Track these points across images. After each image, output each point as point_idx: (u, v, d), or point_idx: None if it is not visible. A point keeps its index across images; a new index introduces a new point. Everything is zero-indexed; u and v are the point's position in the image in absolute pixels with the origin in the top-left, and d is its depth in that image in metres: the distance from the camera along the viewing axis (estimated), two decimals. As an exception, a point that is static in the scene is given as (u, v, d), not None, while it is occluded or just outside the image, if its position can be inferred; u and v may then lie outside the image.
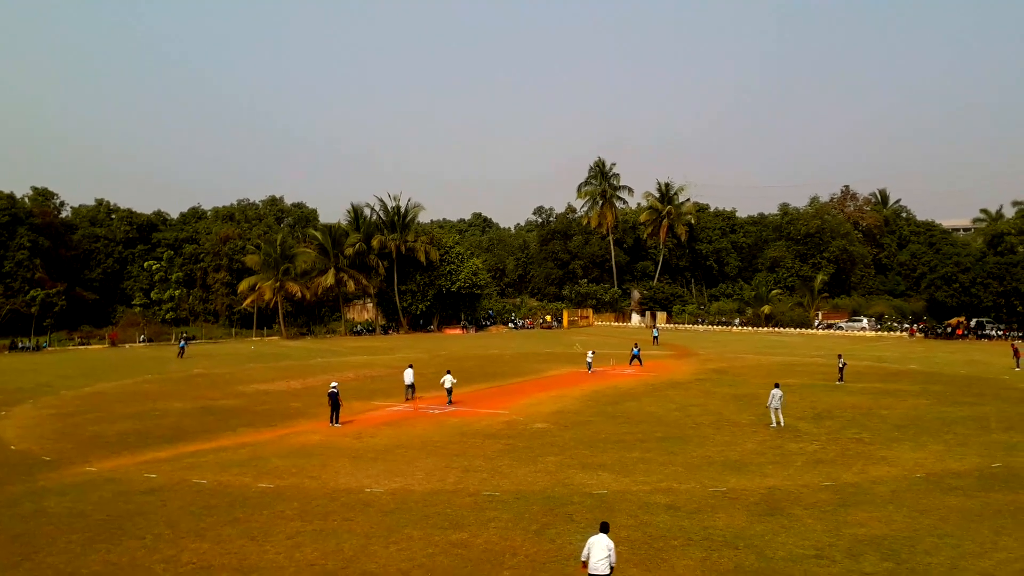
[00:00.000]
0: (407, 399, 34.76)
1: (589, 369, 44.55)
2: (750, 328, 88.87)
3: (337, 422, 28.96)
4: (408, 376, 35.10)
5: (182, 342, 65.22)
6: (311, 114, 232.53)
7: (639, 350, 49.88)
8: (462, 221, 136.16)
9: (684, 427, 28.43)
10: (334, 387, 29.55)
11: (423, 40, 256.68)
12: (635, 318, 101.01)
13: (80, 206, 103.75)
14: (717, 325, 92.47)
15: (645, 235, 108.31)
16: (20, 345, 74.60)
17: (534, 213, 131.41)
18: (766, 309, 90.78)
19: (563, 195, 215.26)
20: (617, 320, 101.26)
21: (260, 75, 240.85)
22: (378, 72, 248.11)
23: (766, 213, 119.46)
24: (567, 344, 62.48)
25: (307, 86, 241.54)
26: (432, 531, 16.62)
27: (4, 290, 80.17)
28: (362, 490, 19.92)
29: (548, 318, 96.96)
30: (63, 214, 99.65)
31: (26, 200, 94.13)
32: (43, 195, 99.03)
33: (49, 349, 74.90)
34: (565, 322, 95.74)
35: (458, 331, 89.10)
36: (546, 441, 25.93)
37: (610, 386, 40.04)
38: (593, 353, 45.96)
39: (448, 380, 33.89)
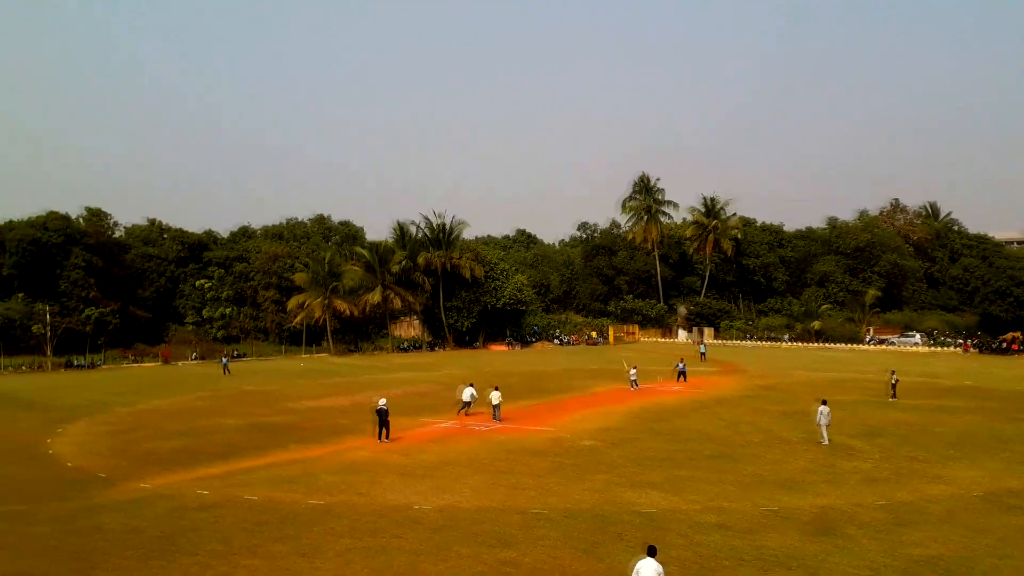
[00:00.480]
0: (464, 414, 34.88)
1: (634, 386, 44.24)
2: (800, 344, 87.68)
3: (386, 439, 29.11)
4: (466, 394, 35.12)
5: (224, 360, 66.14)
6: (357, 134, 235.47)
7: (685, 366, 49.51)
8: (506, 238, 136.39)
9: (734, 445, 28.14)
10: (383, 404, 29.69)
11: (465, 61, 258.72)
12: (682, 334, 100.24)
13: (133, 226, 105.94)
14: (766, 341, 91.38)
15: (691, 250, 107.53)
16: (75, 363, 76.31)
17: (578, 228, 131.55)
18: (816, 325, 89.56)
19: (606, 209, 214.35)
20: (664, 336, 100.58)
21: (304, 100, 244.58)
22: (419, 92, 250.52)
23: (814, 227, 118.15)
24: (613, 360, 62.15)
25: (352, 111, 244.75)
26: (481, 549, 16.63)
27: (60, 309, 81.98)
28: (411, 507, 20.01)
29: (593, 334, 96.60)
30: (116, 234, 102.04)
31: (80, 220, 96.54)
32: (96, 215, 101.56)
33: (103, 367, 76.45)
34: (611, 338, 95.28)
35: (503, 347, 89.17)
36: (594, 458, 25.83)
37: (657, 403, 39.76)
38: (636, 370, 45.61)
39: (495, 396, 33.96)
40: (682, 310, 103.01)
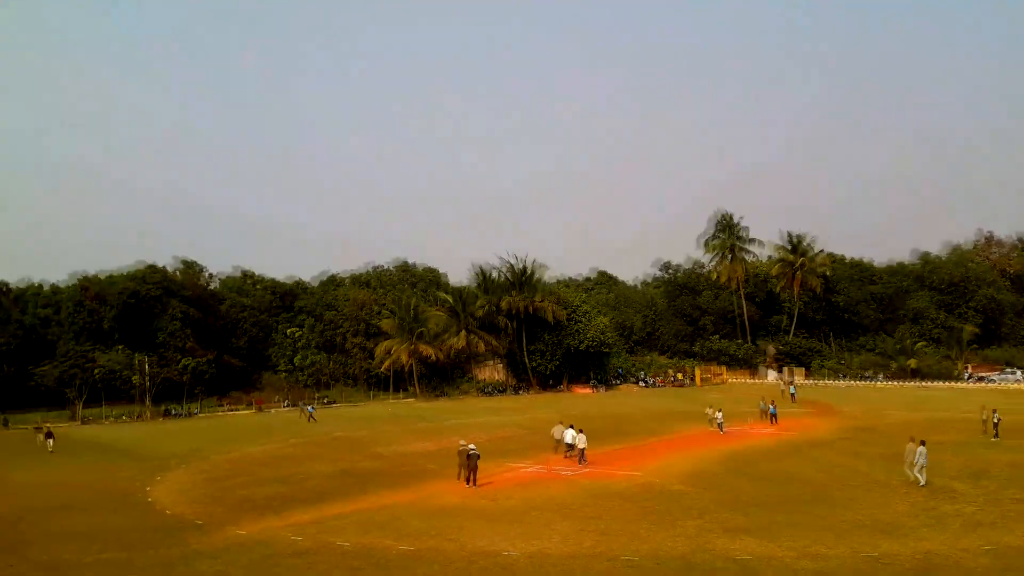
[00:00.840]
0: (565, 456, 35.07)
1: (720, 429, 43.29)
2: (895, 383, 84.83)
3: (474, 484, 29.07)
4: (566, 435, 35.38)
5: (310, 408, 67.43)
6: (441, 176, 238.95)
7: (775, 408, 48.40)
8: (587, 279, 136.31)
9: (830, 488, 27.31)
10: (472, 448, 29.63)
11: (539, 105, 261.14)
12: (770, 374, 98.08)
13: (227, 277, 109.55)
14: (859, 380, 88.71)
15: (777, 288, 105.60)
16: (173, 412, 78.84)
17: (660, 268, 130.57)
18: (912, 363, 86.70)
19: (687, 247, 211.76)
20: (751, 377, 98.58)
21: (386, 139, 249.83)
22: (499, 135, 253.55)
23: (902, 260, 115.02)
24: (700, 402, 61.19)
25: (432, 155, 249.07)
26: (571, 596, 16.47)
27: (158, 359, 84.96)
28: (499, 553, 19.96)
29: (679, 375, 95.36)
30: (211, 285, 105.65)
31: (177, 273, 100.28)
32: (190, 267, 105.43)
33: (199, 415, 78.76)
34: (697, 379, 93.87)
35: (587, 390, 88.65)
36: (684, 504, 25.38)
37: (748, 446, 38.91)
38: (720, 412, 44.59)
39: (581, 440, 33.77)
40: (770, 350, 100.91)
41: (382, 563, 19.38)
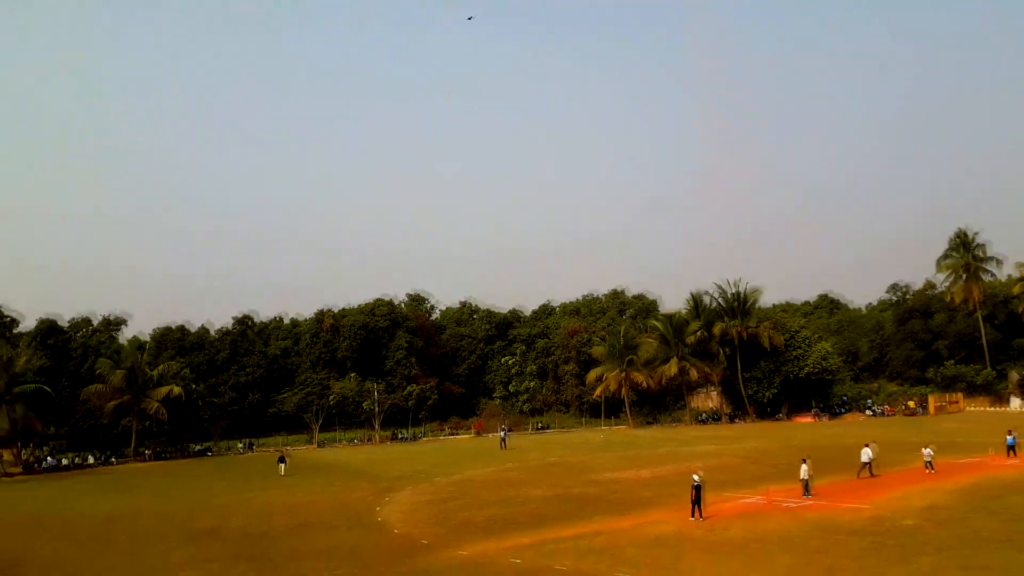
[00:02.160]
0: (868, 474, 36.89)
1: (928, 468, 38.40)
2: None
3: (699, 517, 27.99)
4: (865, 454, 37.04)
5: (502, 434, 68.57)
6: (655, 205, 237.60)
7: (1014, 438, 44.12)
8: (806, 303, 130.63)
9: (1088, 528, 24.69)
10: (697, 479, 28.73)
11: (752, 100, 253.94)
12: (1015, 402, 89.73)
13: (447, 308, 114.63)
14: (1124, 408, 79.39)
15: (1020, 309, 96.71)
16: (399, 436, 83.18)
17: (888, 291, 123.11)
18: None
19: (923, 269, 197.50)
20: (993, 404, 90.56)
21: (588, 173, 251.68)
22: (723, 160, 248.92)
23: None
24: (937, 432, 56.96)
25: (640, 178, 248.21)
26: (796, 632, 15.91)
27: (386, 386, 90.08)
28: (720, 585, 19.61)
29: (911, 404, 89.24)
30: (433, 316, 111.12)
31: (403, 305, 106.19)
32: (416, 300, 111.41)
33: (423, 439, 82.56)
34: (931, 408, 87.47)
35: (809, 419, 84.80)
36: (918, 539, 23.79)
37: (988, 478, 35.84)
38: (931, 451, 39.29)
39: (804, 471, 32.48)
40: (1013, 376, 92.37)
41: (599, 589, 19.56)
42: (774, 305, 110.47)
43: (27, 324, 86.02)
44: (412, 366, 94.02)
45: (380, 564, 23.64)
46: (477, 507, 33.73)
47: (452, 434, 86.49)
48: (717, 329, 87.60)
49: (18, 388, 66.48)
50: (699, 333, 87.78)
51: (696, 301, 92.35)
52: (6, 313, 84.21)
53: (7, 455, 68.84)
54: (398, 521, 31.36)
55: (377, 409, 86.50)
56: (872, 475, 36.87)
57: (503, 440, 66.05)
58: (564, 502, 34.07)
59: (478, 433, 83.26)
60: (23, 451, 71.20)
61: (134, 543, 29.39)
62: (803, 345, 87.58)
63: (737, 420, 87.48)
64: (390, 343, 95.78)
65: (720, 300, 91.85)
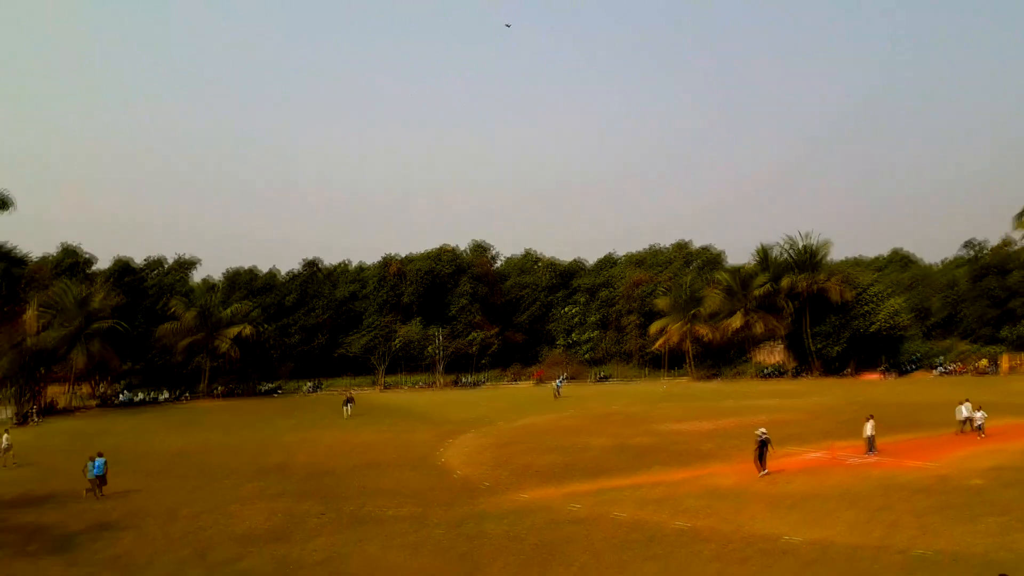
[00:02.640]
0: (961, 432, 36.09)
1: (979, 432, 36.06)
2: None
3: (764, 471, 27.48)
4: (963, 411, 36.70)
5: (556, 383, 68.46)
6: (730, 158, 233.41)
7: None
8: (878, 258, 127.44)
9: None
10: (761, 433, 28.42)
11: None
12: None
13: (511, 256, 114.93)
14: None
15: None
16: (461, 381, 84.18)
17: (962, 247, 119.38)
18: None
19: (1003, 224, 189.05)
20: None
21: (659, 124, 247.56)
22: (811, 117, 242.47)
23: None
24: (1008, 393, 55.53)
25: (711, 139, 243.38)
26: (857, 587, 15.81)
27: (450, 332, 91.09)
28: (779, 538, 19.52)
29: (982, 363, 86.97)
30: (496, 264, 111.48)
31: (467, 253, 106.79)
32: (480, 247, 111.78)
33: (485, 385, 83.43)
34: (1003, 367, 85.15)
35: (876, 376, 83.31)
36: (985, 499, 23.31)
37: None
38: (983, 413, 36.55)
39: (869, 428, 32.00)
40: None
41: (657, 537, 19.65)
42: (844, 259, 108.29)
43: (101, 265, 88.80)
44: (475, 313, 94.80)
45: (441, 505, 24.12)
46: (537, 453, 34.08)
47: (513, 381, 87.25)
48: (785, 283, 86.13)
49: (95, 325, 68.68)
50: (766, 286, 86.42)
51: (764, 254, 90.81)
52: (82, 253, 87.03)
53: (85, 390, 71.61)
54: (459, 464, 31.89)
55: (440, 354, 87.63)
56: (977, 433, 35.32)
57: (557, 389, 65.96)
58: (623, 451, 34.20)
59: (539, 381, 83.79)
60: (99, 386, 73.94)
61: (205, 477, 30.46)
62: (873, 300, 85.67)
63: (802, 375, 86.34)
64: (454, 290, 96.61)
65: (790, 253, 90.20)
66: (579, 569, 17.23)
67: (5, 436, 33.86)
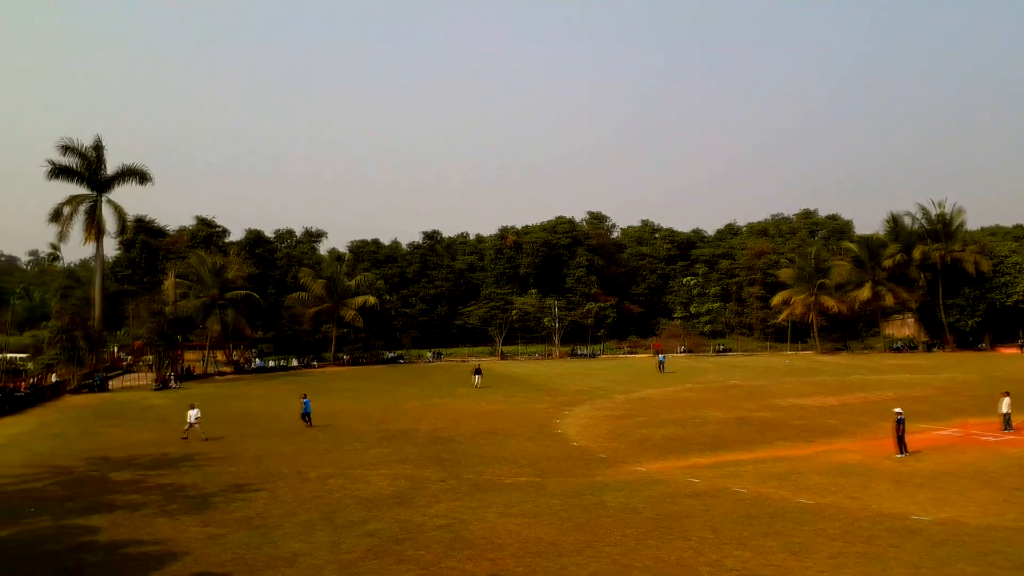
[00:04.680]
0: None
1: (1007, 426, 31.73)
2: None
3: (903, 452, 26.26)
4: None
5: (661, 357, 66.81)
6: (858, 124, 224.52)
7: None
8: (1018, 226, 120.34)
9: None
10: (898, 413, 27.07)
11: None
12: None
13: (628, 227, 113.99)
14: None
15: None
16: (578, 352, 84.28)
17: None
18: None
19: None
20: None
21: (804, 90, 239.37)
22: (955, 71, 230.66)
23: None
24: None
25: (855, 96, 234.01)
26: (990, 569, 15.18)
27: (566, 303, 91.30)
28: (907, 516, 18.92)
29: None
30: (613, 235, 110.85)
31: (584, 223, 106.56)
32: (597, 218, 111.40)
33: (602, 356, 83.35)
34: None
35: (1015, 350, 79.08)
36: None
37: None
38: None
39: (1005, 404, 30.51)
40: None
41: (779, 513, 19.33)
42: (982, 228, 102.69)
43: (235, 236, 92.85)
44: (592, 284, 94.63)
45: (559, 474, 24.36)
46: (654, 425, 33.95)
47: (630, 352, 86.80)
48: (917, 252, 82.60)
49: (229, 294, 71.86)
50: (897, 257, 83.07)
51: (895, 223, 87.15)
52: (217, 224, 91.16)
53: (220, 356, 75.20)
54: (576, 434, 32.08)
55: (557, 325, 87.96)
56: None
57: (661, 363, 63.66)
58: (744, 425, 33.70)
59: (657, 353, 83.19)
60: (233, 352, 77.51)
61: (333, 441, 31.64)
62: (1012, 271, 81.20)
63: (935, 349, 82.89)
64: (570, 261, 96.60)
65: (922, 222, 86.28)
66: (698, 543, 17.09)
67: (193, 412, 33.61)
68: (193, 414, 32.92)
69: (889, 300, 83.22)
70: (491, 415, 38.37)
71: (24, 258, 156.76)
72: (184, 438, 32.23)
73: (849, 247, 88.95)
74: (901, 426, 26.47)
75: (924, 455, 26.43)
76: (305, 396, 36.94)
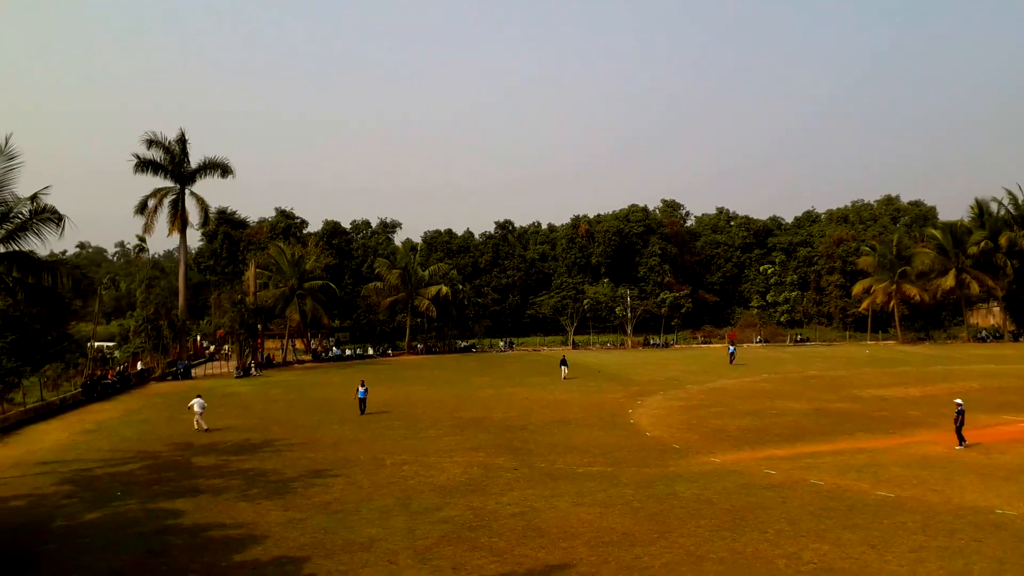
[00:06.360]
0: None
1: None
2: None
3: (962, 443, 25.61)
4: None
5: (731, 348, 64.77)
6: (911, 100, 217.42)
7: None
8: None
9: None
10: (959, 404, 26.23)
11: None
12: None
13: (702, 215, 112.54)
14: None
15: None
16: (651, 342, 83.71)
17: None
18: None
19: None
20: None
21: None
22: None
23: None
24: None
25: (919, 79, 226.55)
26: (1081, 567, 14.72)
27: (638, 292, 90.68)
28: (992, 510, 18.40)
29: None
30: (687, 223, 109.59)
31: (657, 212, 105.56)
32: (671, 206, 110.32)
33: (676, 346, 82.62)
34: None
35: (1112, 341, 75.87)
36: None
37: None
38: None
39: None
40: None
41: (858, 506, 18.98)
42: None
43: (312, 227, 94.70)
44: (665, 273, 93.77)
45: (632, 464, 24.31)
46: (729, 416, 33.57)
47: (705, 342, 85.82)
48: (1004, 239, 79.65)
49: (308, 284, 73.25)
50: (983, 244, 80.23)
51: (981, 209, 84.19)
52: (296, 216, 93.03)
53: (299, 344, 76.85)
54: (649, 424, 31.93)
55: (629, 315, 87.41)
56: None
57: (732, 354, 61.62)
58: (822, 417, 33.09)
59: (730, 343, 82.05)
60: (311, 341, 79.10)
61: (409, 428, 32.12)
62: (1108, 259, 77.82)
63: (1021, 339, 79.94)
64: (643, 250, 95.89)
65: (1009, 208, 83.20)
66: (774, 535, 16.90)
67: (197, 401, 33.56)
68: (198, 404, 32.84)
69: (974, 288, 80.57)
70: (563, 404, 38.42)
71: (112, 249, 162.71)
72: (206, 430, 32.19)
73: (932, 234, 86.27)
74: (961, 417, 25.71)
75: (1009, 447, 25.68)
76: (363, 383, 37.90)
